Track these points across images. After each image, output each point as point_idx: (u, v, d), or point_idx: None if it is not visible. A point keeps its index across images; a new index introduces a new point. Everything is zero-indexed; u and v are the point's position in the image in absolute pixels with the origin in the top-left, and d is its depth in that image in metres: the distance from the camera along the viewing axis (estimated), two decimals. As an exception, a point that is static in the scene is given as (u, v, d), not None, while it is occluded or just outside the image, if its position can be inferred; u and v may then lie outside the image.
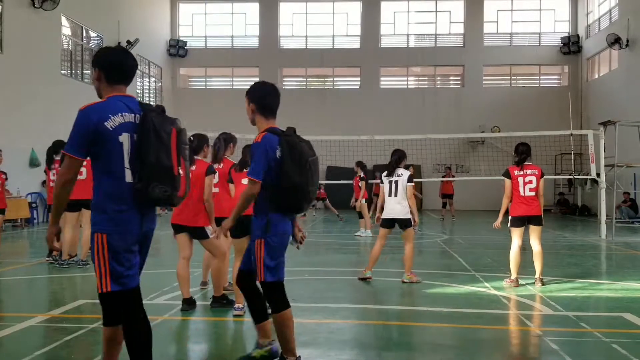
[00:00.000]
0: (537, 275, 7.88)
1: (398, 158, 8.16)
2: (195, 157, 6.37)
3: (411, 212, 8.02)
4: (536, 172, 7.79)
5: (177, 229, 6.33)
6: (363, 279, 8.07)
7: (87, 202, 9.32)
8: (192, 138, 6.49)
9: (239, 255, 6.04)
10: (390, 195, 8.05)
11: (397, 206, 8.00)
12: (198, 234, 6.21)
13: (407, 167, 8.41)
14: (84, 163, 11.10)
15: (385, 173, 8.22)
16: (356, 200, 14.62)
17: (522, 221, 7.76)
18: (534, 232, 7.87)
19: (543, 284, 7.75)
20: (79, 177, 9.69)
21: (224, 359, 4.85)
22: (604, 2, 26.20)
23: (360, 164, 14.84)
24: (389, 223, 8.15)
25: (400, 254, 8.43)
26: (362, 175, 14.54)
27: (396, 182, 8.03)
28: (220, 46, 30.07)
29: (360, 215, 14.70)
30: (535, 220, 7.79)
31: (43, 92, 18.61)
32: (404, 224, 8.06)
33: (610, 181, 15.79)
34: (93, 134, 3.29)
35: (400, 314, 6.51)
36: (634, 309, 6.41)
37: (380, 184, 8.29)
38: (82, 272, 8.74)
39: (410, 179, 8.08)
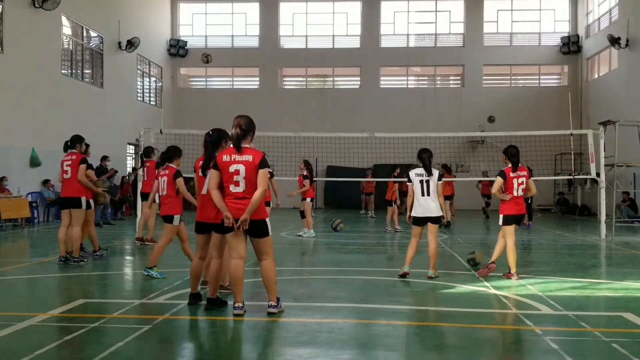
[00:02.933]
0: (513, 270, 8.31)
1: (430, 155, 8.35)
2: (215, 152, 6.31)
3: (441, 209, 8.34)
4: (525, 173, 8.37)
5: (203, 227, 6.29)
6: (403, 276, 8.20)
7: (73, 199, 9.42)
8: (211, 132, 6.44)
9: (234, 252, 5.96)
10: (423, 194, 8.24)
11: (432, 205, 8.23)
12: (221, 228, 6.13)
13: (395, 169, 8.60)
14: (70, 162, 11.12)
15: (418, 171, 8.34)
16: (303, 199, 14.52)
17: (513, 219, 8.35)
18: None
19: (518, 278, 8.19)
20: (65, 176, 10.02)
21: (224, 359, 4.85)
22: (603, 2, 26.19)
23: (306, 163, 14.80)
24: (423, 221, 8.28)
25: (398, 254, 8.44)
26: (305, 173, 14.50)
27: (427, 181, 8.21)
28: (220, 46, 30.07)
29: (303, 215, 14.61)
30: (520, 218, 8.52)
31: (43, 92, 18.61)
32: (436, 221, 8.34)
33: (610, 181, 15.79)
34: None
35: (401, 314, 6.51)
36: (634, 308, 6.41)
37: (409, 183, 8.38)
38: (81, 272, 8.74)
39: (440, 177, 8.32)
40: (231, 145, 6.02)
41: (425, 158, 8.32)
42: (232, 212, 5.74)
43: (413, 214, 8.33)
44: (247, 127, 5.90)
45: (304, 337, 5.23)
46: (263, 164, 5.79)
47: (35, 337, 5.24)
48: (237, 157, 5.79)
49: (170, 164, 8.39)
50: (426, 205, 8.23)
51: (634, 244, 13.67)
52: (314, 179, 15.55)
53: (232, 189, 5.79)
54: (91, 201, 9.79)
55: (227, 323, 5.80)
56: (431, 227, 8.35)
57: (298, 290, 7.34)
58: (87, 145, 10.29)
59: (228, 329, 5.71)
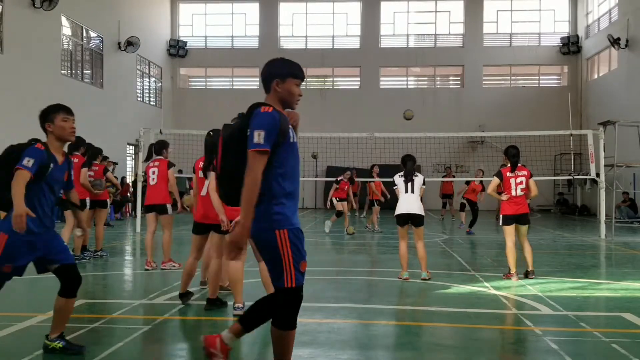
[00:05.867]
0: (530, 268, 8.33)
1: (414, 163, 8.43)
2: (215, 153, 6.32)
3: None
4: (526, 173, 8.35)
5: (201, 228, 6.32)
6: (404, 279, 8.16)
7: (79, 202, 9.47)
8: (211, 133, 6.46)
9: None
10: (407, 191, 8.23)
11: (415, 203, 8.20)
12: (219, 229, 6.12)
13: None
14: (72, 165, 10.93)
15: (401, 174, 8.35)
16: (338, 200, 15.46)
17: (513, 219, 8.27)
18: (522, 231, 8.37)
19: (534, 276, 8.23)
20: None
21: (224, 358, 4.85)
22: (603, 2, 26.21)
23: (348, 174, 16.01)
24: (405, 220, 8.23)
25: (397, 253, 8.43)
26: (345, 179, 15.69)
27: (412, 180, 8.20)
28: (220, 46, 30.09)
29: (339, 214, 15.37)
30: (523, 218, 8.32)
31: (43, 92, 18.59)
32: (419, 221, 8.24)
33: (609, 181, 15.80)
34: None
35: (400, 314, 6.52)
36: (634, 308, 6.41)
37: (395, 187, 8.40)
38: (81, 272, 8.70)
39: (423, 181, 8.38)
40: None
41: (409, 165, 8.35)
42: (228, 214, 5.76)
43: (396, 212, 8.30)
44: None
45: (304, 337, 5.23)
46: None
47: (35, 338, 5.23)
48: None
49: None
50: (409, 202, 8.20)
51: (634, 244, 13.67)
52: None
53: None
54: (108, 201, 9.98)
55: (227, 323, 5.79)
56: (416, 230, 8.32)
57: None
58: (101, 154, 10.71)
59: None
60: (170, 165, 9.09)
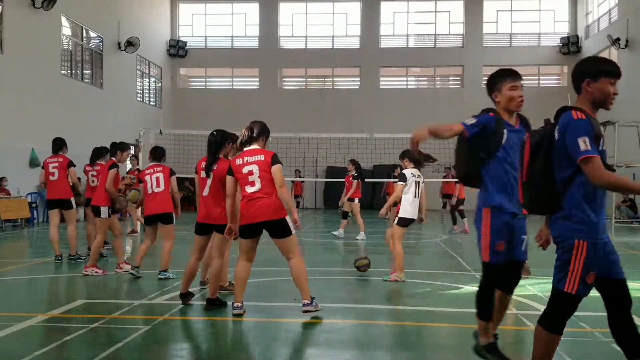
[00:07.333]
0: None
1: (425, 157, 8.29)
2: (219, 154, 6.30)
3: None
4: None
5: (203, 228, 6.33)
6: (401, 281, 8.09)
7: (63, 201, 9.49)
8: (215, 133, 6.43)
9: (245, 255, 5.96)
10: (416, 196, 8.15)
11: (417, 207, 8.16)
12: (222, 230, 6.15)
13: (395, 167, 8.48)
14: (56, 164, 10.80)
15: (413, 172, 8.20)
16: (350, 200, 13.93)
17: None
18: None
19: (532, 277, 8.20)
20: (51, 178, 10.02)
21: (223, 359, 4.85)
22: (603, 3, 26.22)
23: (354, 162, 14.16)
24: (410, 222, 8.22)
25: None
26: (355, 174, 13.87)
27: (417, 182, 8.18)
28: (220, 46, 30.09)
29: (344, 216, 14.20)
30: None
31: (43, 92, 18.61)
32: (413, 223, 8.31)
33: (609, 181, 15.77)
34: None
35: (400, 314, 6.51)
36: (634, 308, 6.39)
37: (400, 183, 8.21)
38: (81, 272, 8.73)
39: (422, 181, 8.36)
40: (242, 147, 6.01)
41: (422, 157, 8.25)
42: (248, 216, 5.72)
43: (405, 214, 8.14)
44: (259, 131, 5.96)
45: (304, 337, 5.23)
46: (275, 160, 5.83)
47: (35, 338, 5.24)
48: (249, 159, 5.81)
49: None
50: (415, 207, 8.15)
51: (634, 244, 13.67)
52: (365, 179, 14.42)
53: (248, 189, 5.78)
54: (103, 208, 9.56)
55: (227, 323, 5.80)
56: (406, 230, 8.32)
57: (297, 291, 7.33)
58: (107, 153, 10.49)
59: (228, 329, 5.71)
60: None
